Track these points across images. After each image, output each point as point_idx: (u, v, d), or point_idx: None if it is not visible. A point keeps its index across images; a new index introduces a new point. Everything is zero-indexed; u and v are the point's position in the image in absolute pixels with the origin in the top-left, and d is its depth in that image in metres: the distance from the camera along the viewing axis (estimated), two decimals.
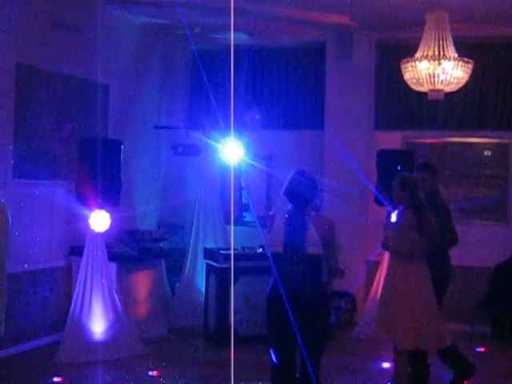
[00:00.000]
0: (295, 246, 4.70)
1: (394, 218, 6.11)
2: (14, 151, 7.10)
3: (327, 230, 4.79)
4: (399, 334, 5.59)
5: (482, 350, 7.90)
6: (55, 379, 6.46)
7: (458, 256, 6.07)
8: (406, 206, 5.73)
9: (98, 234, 7.23)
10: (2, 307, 3.99)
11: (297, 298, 4.63)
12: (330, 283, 4.93)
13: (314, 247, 4.70)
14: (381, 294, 6.05)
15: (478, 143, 9.15)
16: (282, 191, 4.87)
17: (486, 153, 9.19)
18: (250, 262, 7.75)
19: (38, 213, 7.46)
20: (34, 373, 6.68)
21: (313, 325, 4.70)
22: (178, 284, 9.01)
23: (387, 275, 5.93)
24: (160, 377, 6.66)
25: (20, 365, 6.84)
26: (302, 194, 4.76)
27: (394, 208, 6.15)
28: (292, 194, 4.79)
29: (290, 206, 4.85)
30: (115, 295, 7.34)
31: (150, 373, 6.75)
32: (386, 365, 6.98)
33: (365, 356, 7.38)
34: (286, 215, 4.81)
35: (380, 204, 8.22)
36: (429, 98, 7.18)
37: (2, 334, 4.02)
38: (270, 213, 5.30)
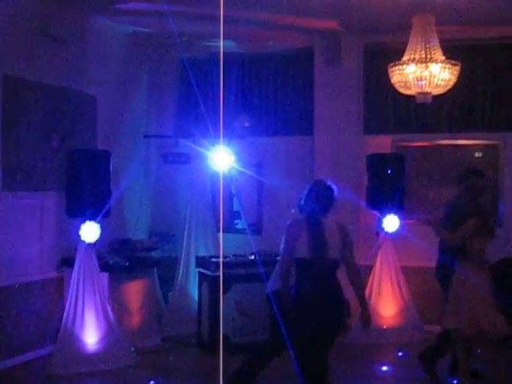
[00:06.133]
0: None
1: None
2: (1, 163, 7.04)
3: None
4: None
5: None
6: None
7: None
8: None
9: (88, 244, 7.19)
10: None
11: None
12: None
13: None
14: None
15: (467, 145, 9.13)
16: None
17: (476, 154, 9.16)
18: (242, 270, 7.71)
19: (28, 225, 7.41)
20: None
21: None
22: (170, 293, 8.93)
23: None
24: None
25: (13, 378, 6.78)
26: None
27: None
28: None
29: None
30: (107, 306, 7.29)
31: None
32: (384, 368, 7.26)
33: (366, 360, 7.45)
34: None
35: (372, 209, 8.23)
36: (417, 101, 7.19)
37: None
38: None
